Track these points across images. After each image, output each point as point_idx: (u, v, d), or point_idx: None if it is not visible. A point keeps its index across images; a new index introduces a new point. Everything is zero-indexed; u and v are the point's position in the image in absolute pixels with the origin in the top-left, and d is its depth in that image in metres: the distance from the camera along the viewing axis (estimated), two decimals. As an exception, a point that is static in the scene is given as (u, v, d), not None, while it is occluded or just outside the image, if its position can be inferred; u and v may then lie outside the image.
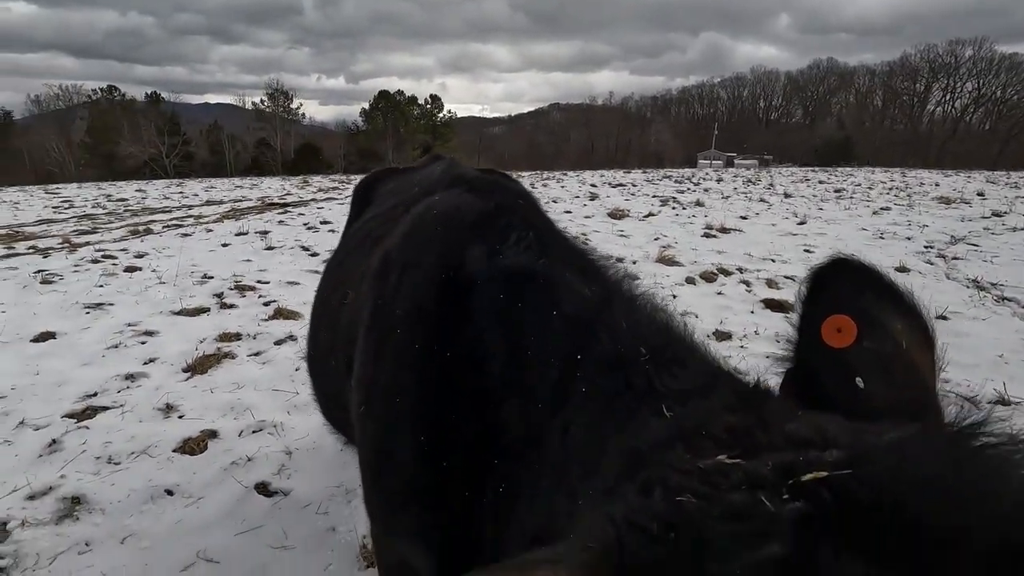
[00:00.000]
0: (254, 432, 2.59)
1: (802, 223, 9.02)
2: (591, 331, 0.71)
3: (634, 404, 0.60)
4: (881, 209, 10.71)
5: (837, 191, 14.16)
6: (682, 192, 13.91)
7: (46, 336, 3.82)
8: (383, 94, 73.07)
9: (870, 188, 15.00)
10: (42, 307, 4.55)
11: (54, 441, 2.50)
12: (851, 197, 12.79)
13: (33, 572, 1.77)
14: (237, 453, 2.41)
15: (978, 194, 13.30)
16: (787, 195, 13.29)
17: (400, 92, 74.71)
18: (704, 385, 0.58)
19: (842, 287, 0.57)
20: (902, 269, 5.73)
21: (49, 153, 59.57)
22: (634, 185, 15.62)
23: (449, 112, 78.79)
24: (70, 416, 2.74)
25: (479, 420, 0.76)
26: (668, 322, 0.74)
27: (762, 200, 12.18)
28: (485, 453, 0.75)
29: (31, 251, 7.13)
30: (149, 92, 69.92)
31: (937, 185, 15.82)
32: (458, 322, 0.82)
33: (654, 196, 12.77)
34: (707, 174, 21.84)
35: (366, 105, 73.14)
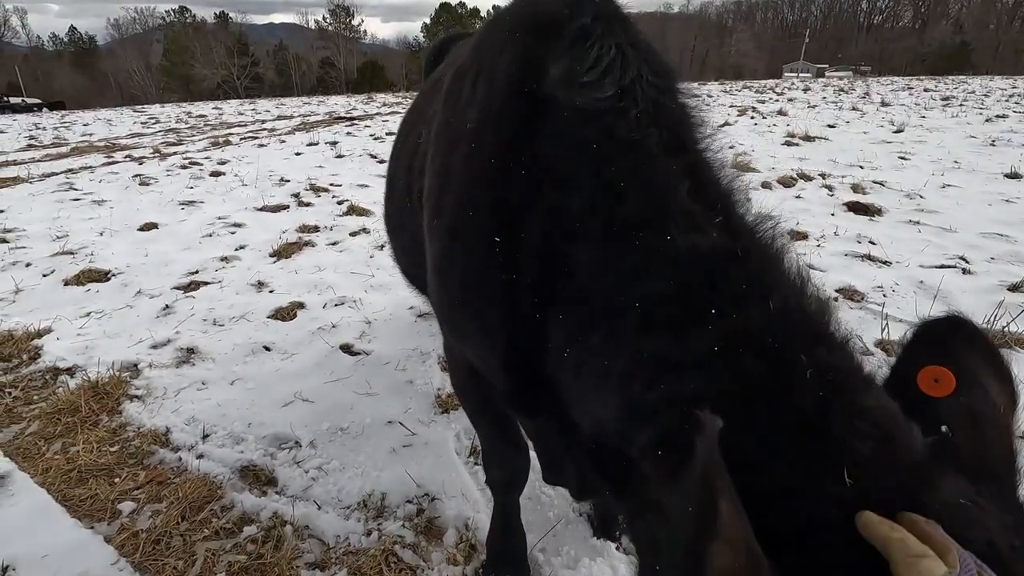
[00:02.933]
0: (336, 305, 2.81)
1: (899, 131, 8.20)
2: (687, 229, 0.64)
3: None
4: (996, 117, 9.51)
5: (945, 99, 12.64)
6: (763, 102, 12.86)
7: (150, 226, 4.19)
8: (444, 7, 70.32)
9: (986, 95, 13.27)
10: (143, 204, 4.97)
11: (167, 307, 2.82)
12: (961, 104, 11.38)
13: (163, 400, 2.07)
14: (323, 321, 2.63)
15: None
16: (884, 103, 12.01)
17: (462, 4, 71.54)
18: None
19: (950, 341, 0.58)
20: (1013, 175, 5.16)
21: (132, 77, 62.30)
22: (709, 96, 14.57)
23: (512, 24, 74.97)
24: (178, 288, 3.06)
25: (547, 241, 0.75)
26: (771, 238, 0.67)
27: (854, 109, 11.10)
28: (550, 276, 0.74)
29: (127, 159, 7.68)
30: (218, 12, 70.61)
31: (1070, 91, 13.76)
32: (534, 138, 0.78)
33: (731, 106, 11.91)
34: (792, 84, 19.97)
35: (427, 20, 70.75)
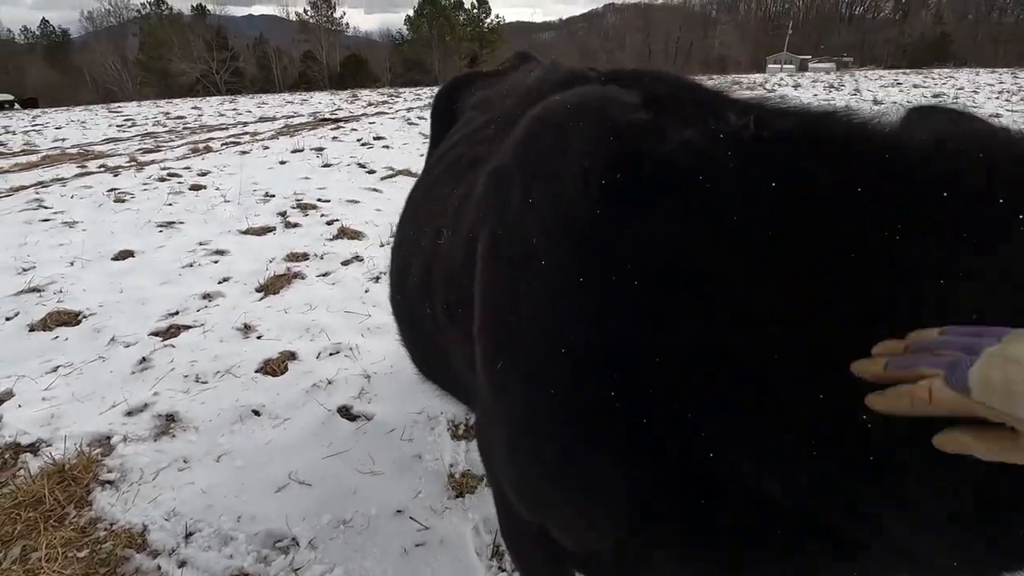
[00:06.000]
0: (331, 355, 2.58)
1: (896, 133, 8.10)
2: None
3: None
4: (991, 116, 9.47)
5: (936, 96, 12.62)
6: (755, 100, 12.75)
7: (125, 254, 3.91)
8: (428, -1, 69.31)
9: (975, 92, 13.28)
10: (118, 225, 4.67)
11: (144, 359, 2.56)
12: (954, 102, 11.36)
13: (139, 486, 1.83)
14: (317, 376, 2.40)
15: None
16: (877, 102, 11.95)
17: (446, -4, 70.65)
18: None
19: None
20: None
21: (107, 71, 60.76)
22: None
23: (497, 17, 74.34)
24: (156, 334, 2.80)
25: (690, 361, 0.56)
26: None
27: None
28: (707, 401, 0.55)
29: (102, 169, 7.31)
30: (195, 4, 68.93)
31: (1057, 87, 13.82)
32: (642, 231, 0.60)
33: (724, 105, 11.76)
34: (781, 80, 19.93)
35: (411, 12, 69.74)
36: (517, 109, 0.99)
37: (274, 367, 2.49)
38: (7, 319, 3.00)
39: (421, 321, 1.15)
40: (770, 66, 54.73)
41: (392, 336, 2.75)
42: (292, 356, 2.56)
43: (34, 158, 8.56)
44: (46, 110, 21.79)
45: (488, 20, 72.55)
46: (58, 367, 2.53)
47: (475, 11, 71.81)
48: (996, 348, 0.37)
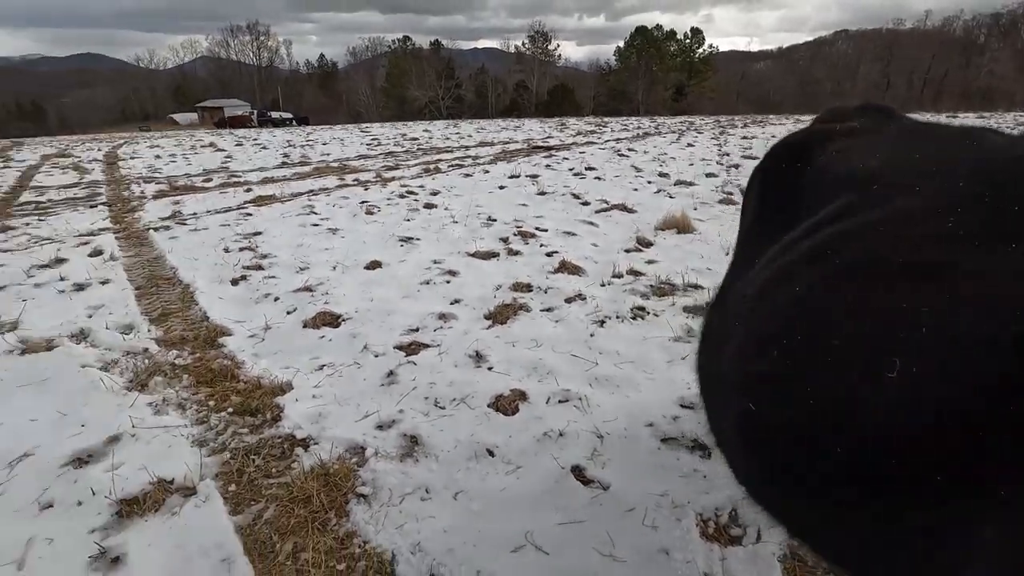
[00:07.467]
0: (560, 402, 2.48)
1: None
2: None
3: None
4: None
5: None
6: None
7: (375, 265, 4.38)
8: (640, 30, 69.86)
9: None
10: (368, 235, 5.30)
11: (391, 372, 2.75)
12: None
13: (387, 508, 1.90)
14: (547, 424, 2.32)
15: None
16: None
17: (659, 27, 70.53)
18: None
19: None
20: None
21: (359, 96, 72.48)
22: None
23: (710, 47, 71.83)
24: (400, 348, 3.01)
25: None
26: None
27: None
28: None
29: (355, 183, 8.51)
30: (432, 40, 79.08)
31: None
32: None
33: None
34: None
35: (621, 44, 70.96)
36: (988, 196, 0.73)
37: (505, 405, 2.47)
38: (288, 313, 3.51)
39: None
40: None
41: (621, 392, 2.58)
42: (522, 396, 2.53)
43: (307, 169, 10.37)
44: (316, 127, 26.66)
45: (700, 50, 70.56)
46: (323, 366, 2.85)
47: (687, 41, 70.38)
48: None
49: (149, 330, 3.29)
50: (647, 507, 1.88)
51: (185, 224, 6.04)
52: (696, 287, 3.77)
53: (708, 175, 8.68)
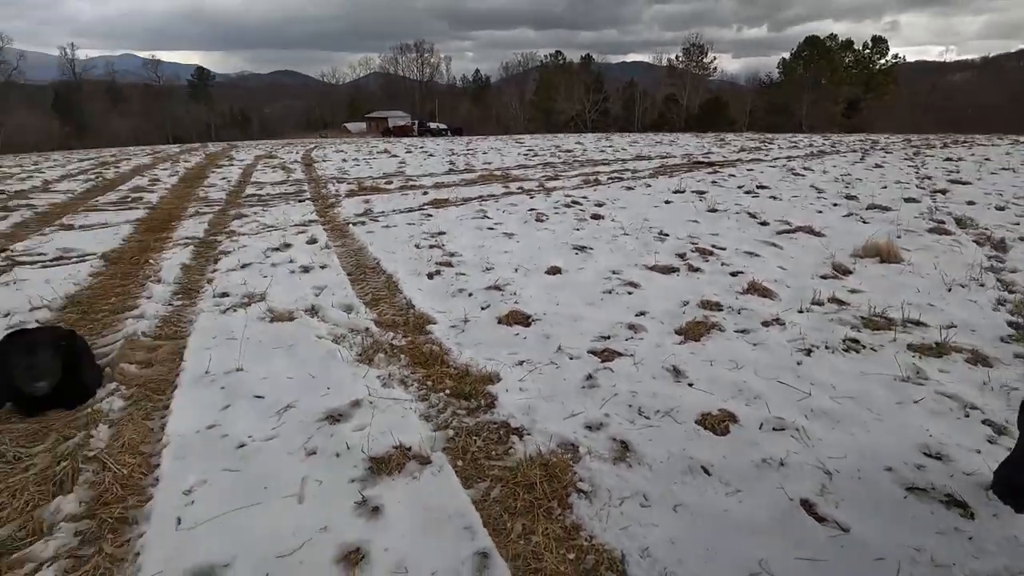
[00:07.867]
0: (774, 430, 2.35)
1: None
2: None
3: None
4: None
5: None
6: None
7: (554, 270, 4.52)
8: (810, 40, 64.25)
9: None
10: (542, 241, 5.48)
11: (590, 376, 2.81)
12: None
13: (609, 508, 1.93)
14: (764, 450, 2.21)
15: None
16: None
17: (832, 36, 64.28)
18: None
19: None
20: None
21: (508, 109, 75.52)
22: None
23: (895, 57, 63.73)
24: (593, 353, 3.06)
25: None
26: None
27: None
28: None
29: (519, 191, 8.86)
30: (583, 55, 80.00)
31: None
32: None
33: None
34: None
35: (787, 55, 65.82)
36: None
37: (714, 424, 2.39)
38: (482, 308, 3.75)
39: None
40: None
41: (843, 427, 2.36)
42: (731, 417, 2.43)
43: (473, 176, 11.02)
44: (472, 137, 28.30)
45: (882, 60, 62.93)
46: (522, 362, 2.99)
47: (867, 51, 63.21)
48: None
49: (366, 312, 3.71)
50: (899, 560, 1.70)
51: (377, 220, 6.75)
52: (919, 324, 3.35)
53: (908, 200, 7.70)
